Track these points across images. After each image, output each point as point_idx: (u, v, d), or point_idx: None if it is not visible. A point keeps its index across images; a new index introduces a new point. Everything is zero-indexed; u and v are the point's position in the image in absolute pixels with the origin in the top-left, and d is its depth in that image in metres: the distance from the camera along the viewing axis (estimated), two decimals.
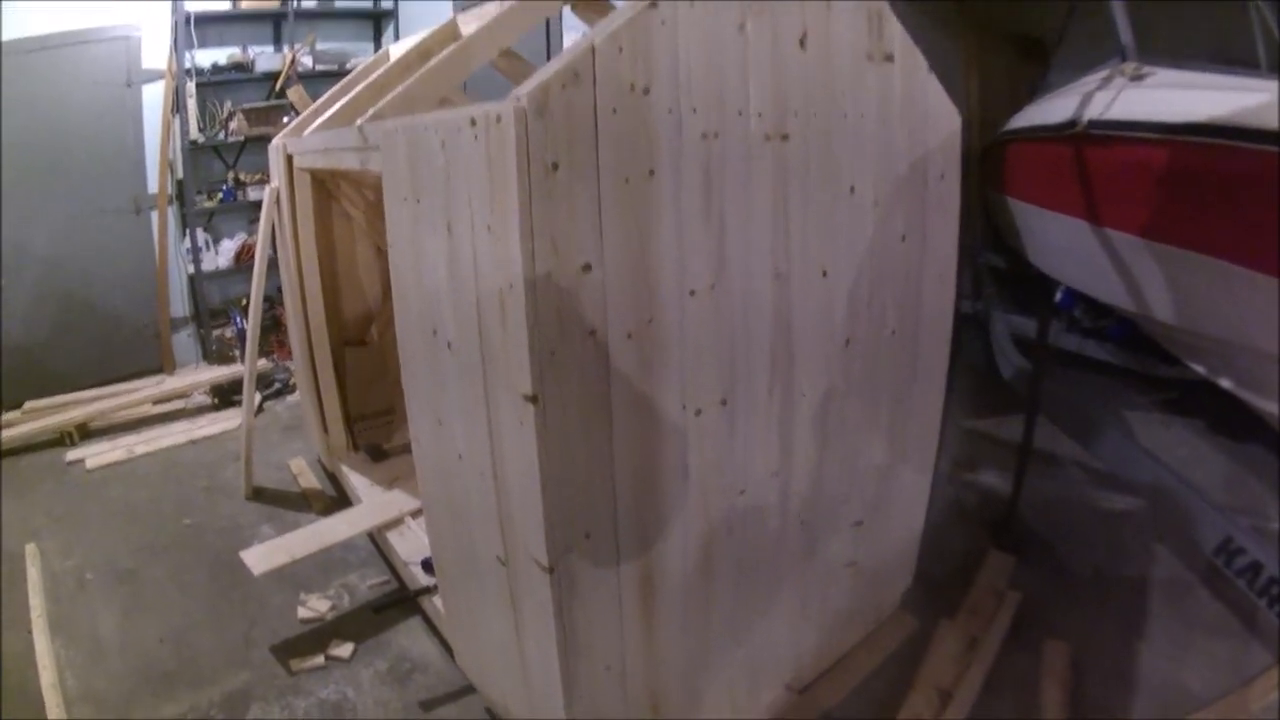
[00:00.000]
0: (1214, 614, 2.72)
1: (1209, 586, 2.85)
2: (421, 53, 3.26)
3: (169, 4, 5.36)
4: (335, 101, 3.81)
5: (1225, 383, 3.05)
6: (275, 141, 3.52)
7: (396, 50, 3.98)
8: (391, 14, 6.43)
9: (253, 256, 5.59)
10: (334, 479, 3.71)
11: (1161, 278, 2.92)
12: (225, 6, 5.65)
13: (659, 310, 1.64)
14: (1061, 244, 3.60)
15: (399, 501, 3.10)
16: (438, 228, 1.72)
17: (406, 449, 3.62)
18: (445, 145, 1.62)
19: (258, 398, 4.80)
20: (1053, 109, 3.52)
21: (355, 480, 3.36)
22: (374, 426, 3.71)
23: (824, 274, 1.99)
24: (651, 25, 1.52)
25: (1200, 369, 3.21)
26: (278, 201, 3.53)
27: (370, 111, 2.29)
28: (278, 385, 5.00)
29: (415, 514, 3.03)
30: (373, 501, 3.14)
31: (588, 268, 1.50)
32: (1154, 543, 3.15)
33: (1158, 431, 4.15)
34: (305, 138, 3.05)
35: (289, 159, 3.35)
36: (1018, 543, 3.17)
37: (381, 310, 4.25)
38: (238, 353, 5.12)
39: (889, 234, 2.16)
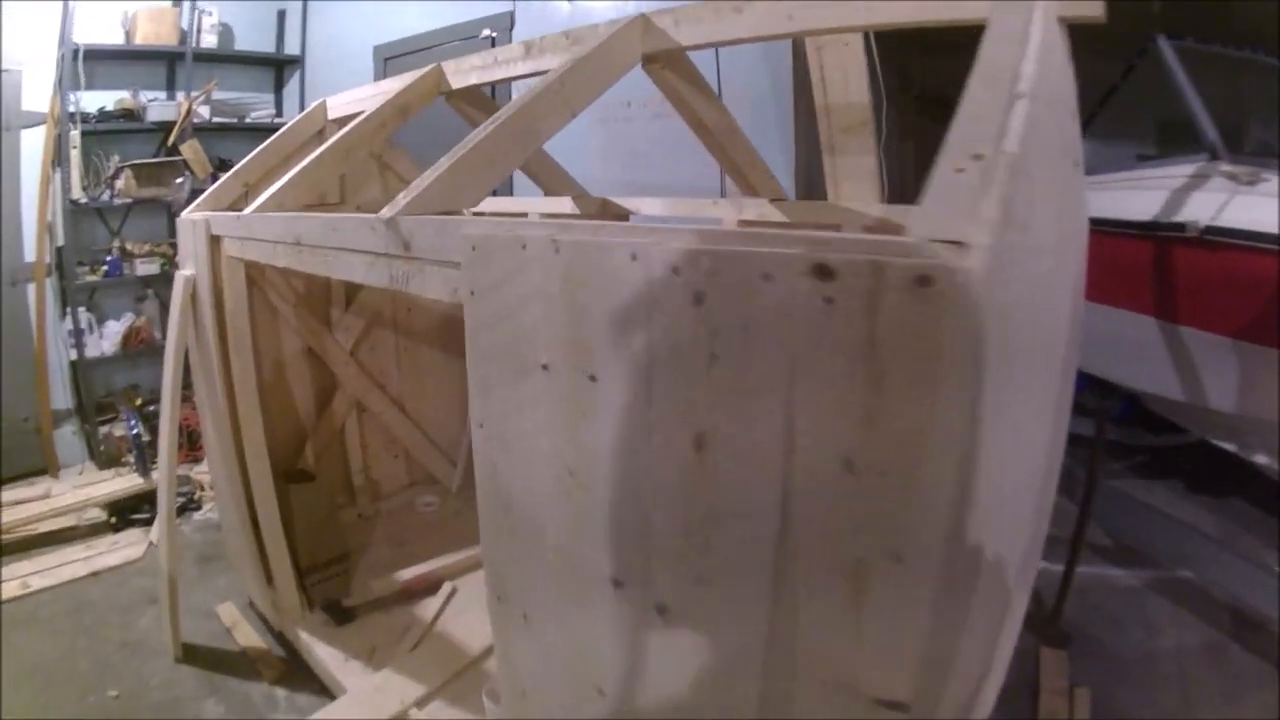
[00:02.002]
0: (1252, 667, 2.66)
1: (1239, 642, 2.76)
2: (399, 107, 2.41)
3: (55, 34, 4.23)
4: (276, 168, 2.91)
5: (1261, 459, 3.07)
6: (191, 216, 2.57)
7: (338, 103, 3.08)
8: (297, 62, 5.42)
9: (142, 340, 4.47)
10: (281, 636, 2.75)
11: (1238, 373, 2.83)
12: (119, 41, 4.51)
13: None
14: (1099, 334, 3.35)
15: (395, 687, 2.20)
16: (667, 435, 0.98)
17: (374, 606, 2.73)
18: (706, 299, 0.89)
19: None
20: (1115, 202, 3.24)
21: (324, 654, 2.42)
22: (329, 578, 2.78)
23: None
24: None
25: (1230, 446, 3.22)
26: (193, 295, 2.57)
27: (403, 200, 1.46)
28: (181, 499, 3.88)
29: (420, 704, 2.15)
30: (362, 688, 2.22)
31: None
32: (1179, 611, 3.01)
33: (1141, 495, 3.86)
34: (248, 218, 2.14)
35: (213, 241, 2.42)
36: (1065, 636, 2.83)
37: (317, 429, 3.31)
38: (132, 459, 3.97)
39: None
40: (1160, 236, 2.95)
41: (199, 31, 4.68)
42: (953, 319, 0.69)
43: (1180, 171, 3.00)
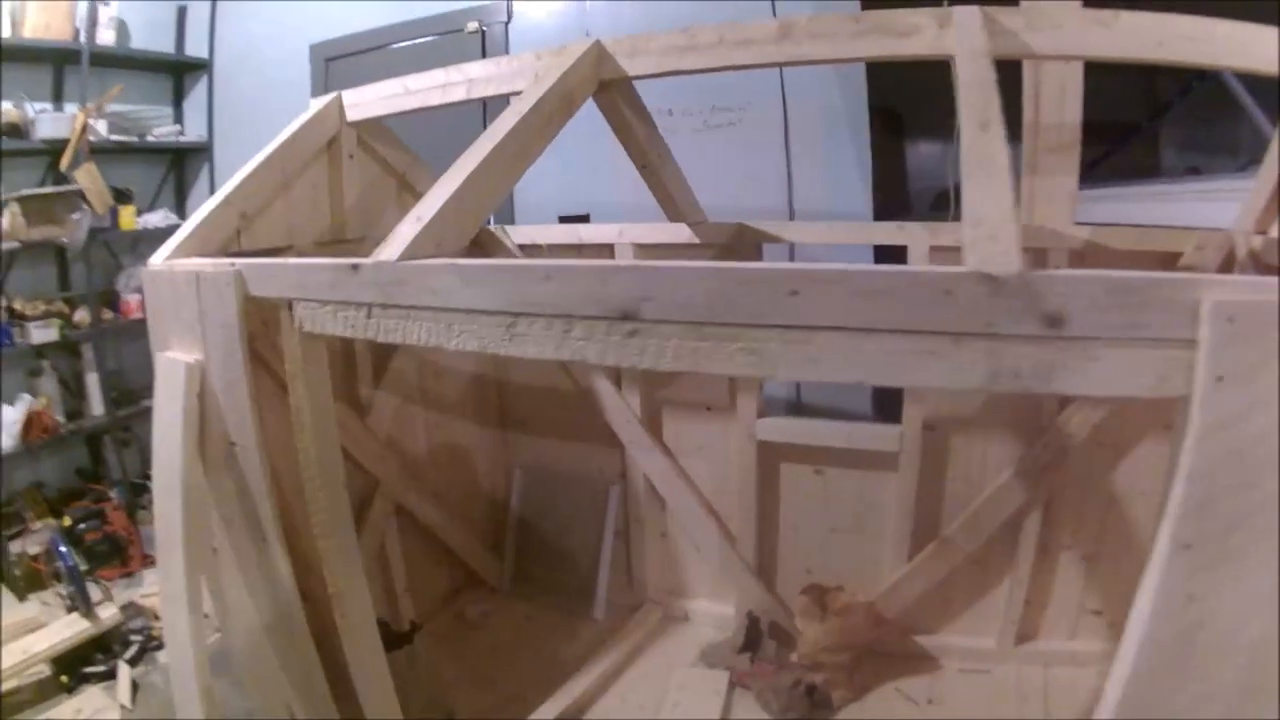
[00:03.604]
0: None
1: None
2: (564, 97, 1.43)
3: None
4: (279, 191, 1.87)
5: None
6: (193, 266, 1.49)
7: (362, 101, 2.02)
8: (203, 67, 4.05)
9: (45, 429, 3.07)
10: None
11: None
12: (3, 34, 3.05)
13: None
14: None
15: None
16: None
17: None
18: None
19: (125, 674, 2.41)
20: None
21: None
22: None
23: None
24: None
25: None
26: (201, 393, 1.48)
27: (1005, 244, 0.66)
28: (137, 642, 2.58)
29: None
30: None
31: None
32: None
33: None
34: (410, 271, 1.09)
35: (249, 305, 1.36)
36: None
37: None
38: (66, 594, 2.57)
39: None
40: None
41: (95, 26, 3.28)
42: None
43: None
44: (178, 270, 1.55)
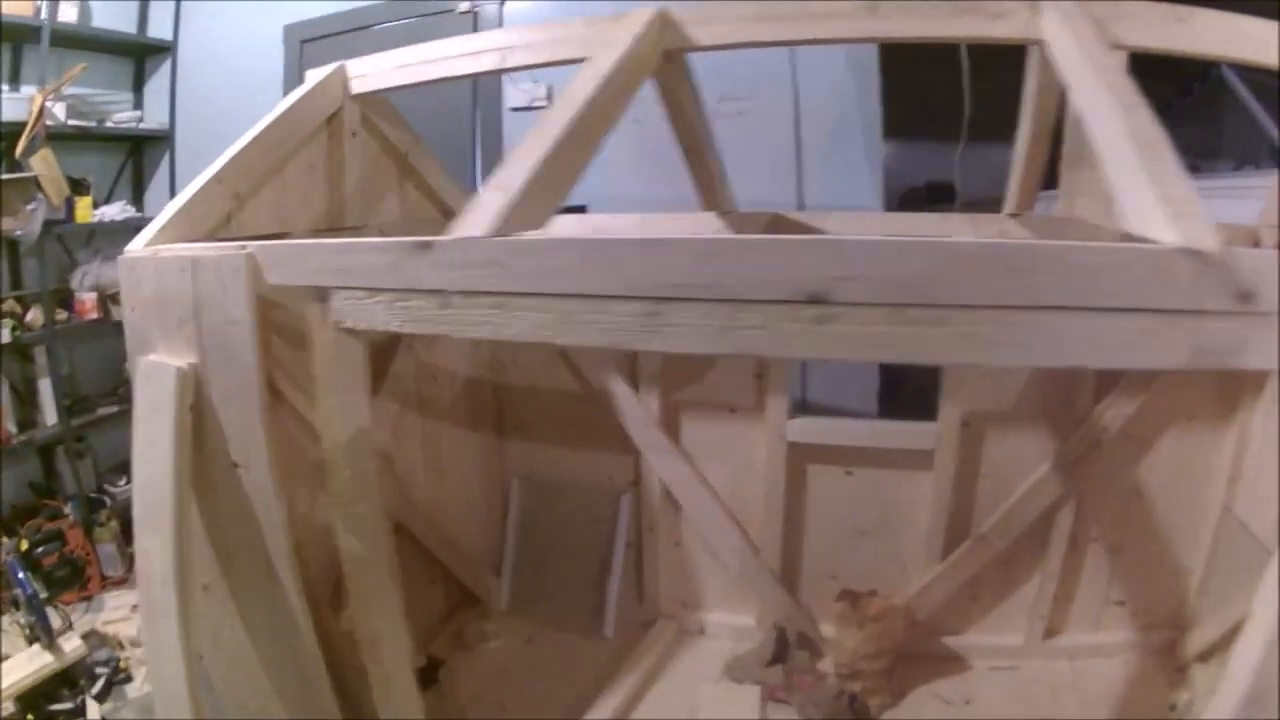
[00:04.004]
0: None
1: None
2: (632, 68, 1.21)
3: None
4: (274, 169, 1.63)
5: None
6: (197, 252, 1.23)
7: (369, 71, 1.76)
8: (167, 50, 3.67)
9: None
10: None
11: None
12: None
13: None
14: None
15: None
16: None
17: None
18: None
19: (95, 712, 2.10)
20: None
21: None
22: None
23: None
24: None
25: None
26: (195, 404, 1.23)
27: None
28: (103, 675, 2.26)
29: None
30: None
31: None
32: None
33: None
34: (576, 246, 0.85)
35: (256, 298, 1.11)
36: None
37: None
38: (24, 621, 2.23)
39: None
40: None
41: (58, 1, 2.92)
42: None
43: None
44: (166, 257, 1.29)
